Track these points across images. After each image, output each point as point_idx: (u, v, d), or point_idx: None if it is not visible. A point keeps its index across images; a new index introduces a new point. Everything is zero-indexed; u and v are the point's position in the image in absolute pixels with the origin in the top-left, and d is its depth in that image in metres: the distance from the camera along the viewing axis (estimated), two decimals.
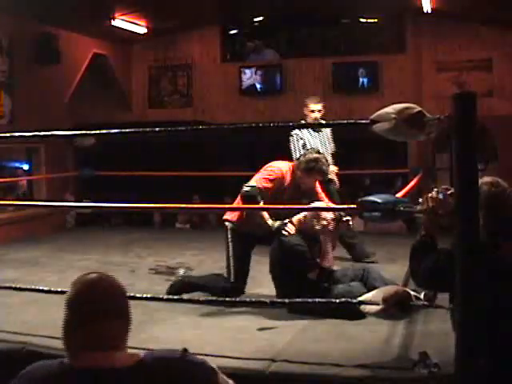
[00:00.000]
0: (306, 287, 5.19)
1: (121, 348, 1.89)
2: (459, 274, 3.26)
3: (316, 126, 7.51)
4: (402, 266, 6.43)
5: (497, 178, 3.45)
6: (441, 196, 3.51)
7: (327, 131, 7.53)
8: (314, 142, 7.28)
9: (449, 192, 3.48)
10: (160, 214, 11.10)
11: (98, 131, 5.06)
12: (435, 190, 3.60)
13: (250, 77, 11.82)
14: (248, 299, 5.10)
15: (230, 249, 5.55)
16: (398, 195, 5.78)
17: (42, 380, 1.85)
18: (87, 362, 1.83)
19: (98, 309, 1.86)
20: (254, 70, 11.82)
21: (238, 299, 5.13)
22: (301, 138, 7.30)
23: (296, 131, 7.30)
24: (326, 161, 5.81)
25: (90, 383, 1.79)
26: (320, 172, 5.65)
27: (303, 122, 7.32)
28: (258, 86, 11.82)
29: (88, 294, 1.88)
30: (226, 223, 5.62)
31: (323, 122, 7.33)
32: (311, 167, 5.58)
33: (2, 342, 4.43)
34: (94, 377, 1.80)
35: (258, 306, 5.05)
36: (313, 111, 7.34)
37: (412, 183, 7.56)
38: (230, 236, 5.57)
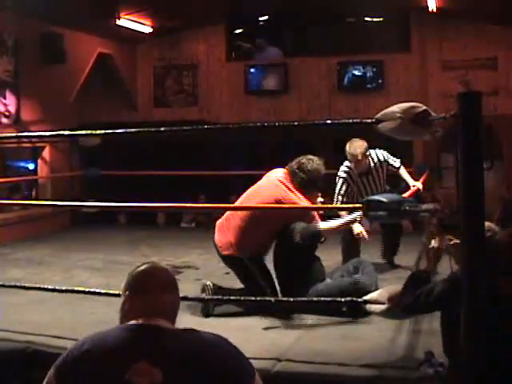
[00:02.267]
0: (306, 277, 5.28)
1: (170, 319, 2.17)
2: (463, 253, 3.30)
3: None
4: (408, 265, 6.45)
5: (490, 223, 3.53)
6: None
7: (379, 173, 6.59)
8: (360, 187, 6.55)
9: (453, 241, 3.57)
10: (165, 213, 11.12)
11: (103, 131, 5.06)
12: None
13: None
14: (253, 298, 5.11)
15: (259, 277, 5.35)
16: (405, 195, 5.78)
17: (114, 342, 2.05)
18: (145, 321, 2.10)
19: (151, 284, 2.18)
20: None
21: (242, 298, 5.13)
22: (344, 182, 6.50)
23: (342, 174, 6.52)
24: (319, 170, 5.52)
25: (150, 335, 2.07)
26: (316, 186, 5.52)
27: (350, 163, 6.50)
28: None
29: (143, 274, 2.22)
30: (239, 256, 5.39)
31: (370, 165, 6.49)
32: (312, 179, 5.44)
33: (8, 341, 4.44)
34: (153, 330, 2.08)
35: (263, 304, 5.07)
36: (354, 160, 6.44)
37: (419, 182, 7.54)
38: (252, 267, 5.35)
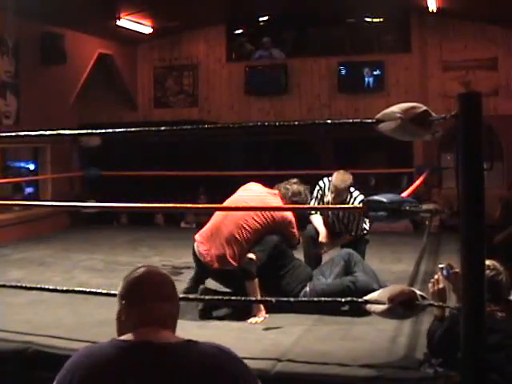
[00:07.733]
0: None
1: (169, 327, 2.09)
2: (462, 262, 3.31)
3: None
4: (408, 266, 6.45)
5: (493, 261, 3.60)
6: (445, 273, 3.62)
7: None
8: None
9: (452, 271, 3.60)
10: (164, 214, 11.12)
11: (103, 131, 5.05)
12: (440, 266, 3.75)
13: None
14: (253, 298, 5.11)
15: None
16: (404, 194, 5.77)
17: (101, 362, 1.98)
18: (140, 337, 2.03)
19: (146, 293, 2.08)
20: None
21: (243, 298, 5.12)
22: (320, 190, 6.25)
23: (320, 183, 6.28)
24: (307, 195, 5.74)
25: (142, 354, 1.98)
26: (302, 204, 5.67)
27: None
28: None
29: (138, 283, 2.11)
30: (231, 268, 5.33)
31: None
32: (295, 201, 5.58)
33: (8, 341, 4.43)
34: (145, 348, 1.99)
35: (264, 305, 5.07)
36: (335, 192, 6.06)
37: (417, 182, 7.54)
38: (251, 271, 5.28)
